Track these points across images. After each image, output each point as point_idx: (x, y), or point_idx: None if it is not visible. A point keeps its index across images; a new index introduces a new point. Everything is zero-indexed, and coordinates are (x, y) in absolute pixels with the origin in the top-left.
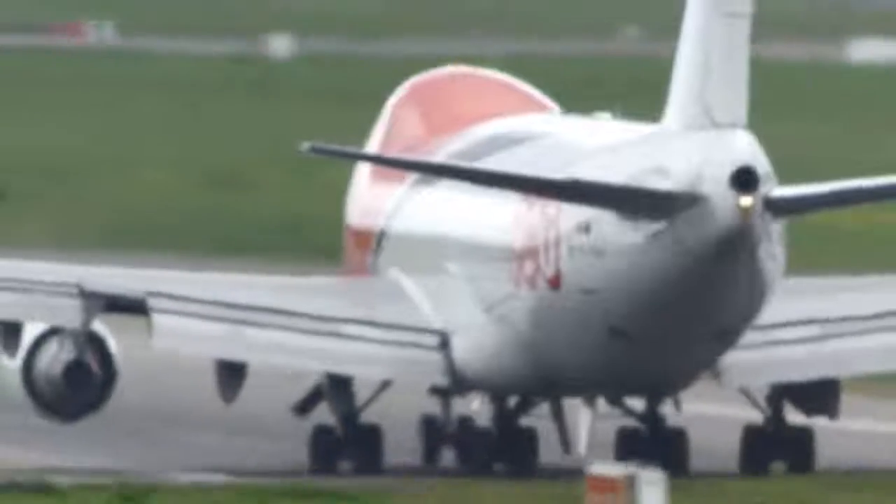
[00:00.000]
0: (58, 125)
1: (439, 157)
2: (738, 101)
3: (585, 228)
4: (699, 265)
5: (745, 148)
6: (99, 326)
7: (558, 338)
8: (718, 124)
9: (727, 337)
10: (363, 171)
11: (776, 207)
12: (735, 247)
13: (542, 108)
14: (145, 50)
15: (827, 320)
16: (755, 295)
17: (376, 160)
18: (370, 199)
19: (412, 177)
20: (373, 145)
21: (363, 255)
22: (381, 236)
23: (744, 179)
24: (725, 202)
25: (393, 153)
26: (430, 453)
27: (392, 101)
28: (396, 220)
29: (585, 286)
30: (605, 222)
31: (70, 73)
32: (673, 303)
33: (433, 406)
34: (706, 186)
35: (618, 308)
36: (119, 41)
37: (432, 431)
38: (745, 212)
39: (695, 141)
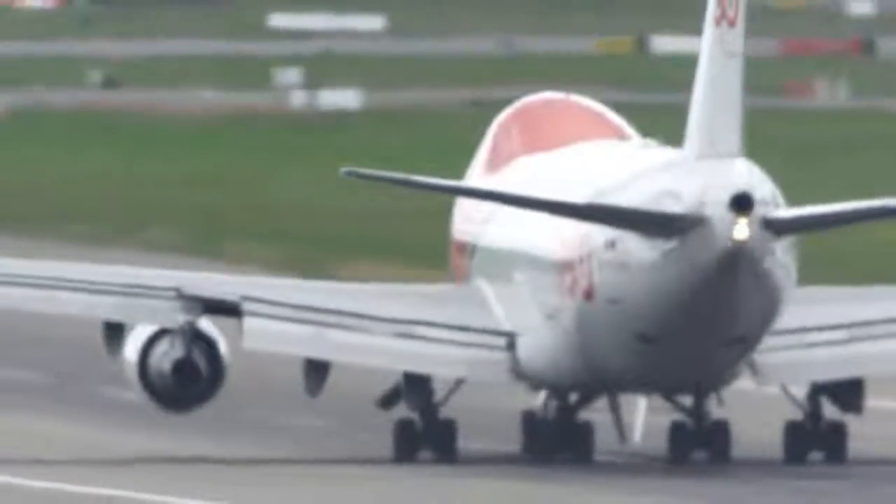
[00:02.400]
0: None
1: (512, 175)
2: (734, 132)
3: (612, 245)
4: (707, 279)
5: (743, 174)
6: (209, 327)
7: (597, 342)
8: (721, 153)
9: (745, 342)
10: (469, 183)
11: (774, 227)
12: (736, 263)
13: (621, 134)
14: (878, 110)
15: (854, 324)
16: (766, 303)
17: (406, 183)
18: (468, 210)
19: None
20: (478, 160)
21: (462, 263)
22: (473, 246)
23: (741, 203)
24: (725, 223)
25: (490, 169)
26: (530, 444)
27: (497, 119)
28: (483, 230)
29: (612, 297)
30: (628, 240)
31: (802, 133)
32: (688, 312)
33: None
34: (709, 209)
35: (641, 316)
36: (851, 101)
37: (532, 425)
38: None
39: (700, 168)
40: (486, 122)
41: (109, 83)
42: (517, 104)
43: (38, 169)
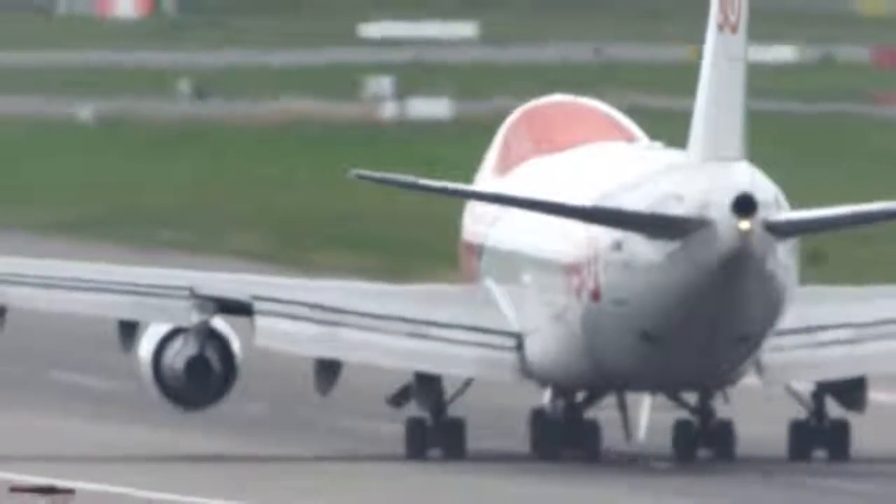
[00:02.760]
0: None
1: (521, 178)
2: (736, 135)
3: (618, 247)
4: (710, 279)
5: (745, 177)
6: (223, 327)
7: (603, 342)
8: (723, 157)
9: (748, 341)
10: (480, 185)
11: (776, 229)
12: (739, 264)
13: (629, 136)
14: None
15: (859, 324)
16: (768, 304)
17: (415, 186)
18: (478, 211)
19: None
20: (487, 164)
21: (471, 264)
22: (481, 247)
23: (743, 205)
24: (727, 225)
25: (500, 171)
26: (538, 441)
27: (505, 124)
28: (492, 233)
29: (618, 297)
30: (634, 241)
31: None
32: (692, 312)
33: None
34: (712, 211)
35: (646, 316)
36: None
37: (540, 422)
38: (745, 234)
39: (703, 171)
40: None
41: (199, 92)
42: (526, 107)
43: (125, 177)
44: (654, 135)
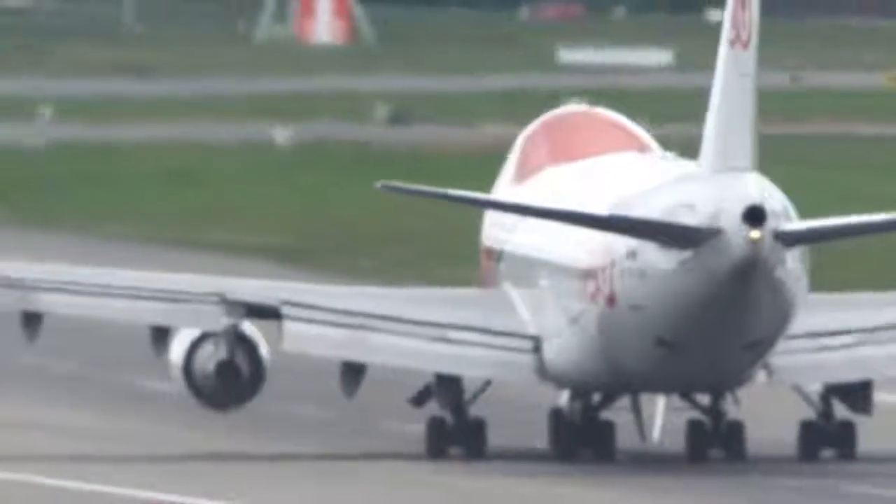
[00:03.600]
0: None
1: (537, 187)
2: (746, 147)
3: (633, 254)
4: (722, 287)
5: (756, 188)
6: (251, 331)
7: (619, 346)
8: (734, 168)
9: (759, 346)
10: (498, 193)
11: (785, 239)
12: (750, 272)
13: (643, 147)
14: None
15: (863, 330)
16: (778, 310)
17: (441, 196)
18: (496, 217)
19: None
20: (506, 171)
21: (490, 270)
22: (500, 253)
23: (754, 215)
24: (738, 235)
25: (517, 180)
26: (556, 440)
27: (524, 133)
28: (510, 239)
29: (633, 304)
30: (648, 249)
31: None
32: (704, 318)
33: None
34: (723, 221)
35: (660, 322)
36: None
37: (557, 422)
38: (755, 243)
39: (715, 182)
40: (773, 157)
41: (397, 118)
42: (543, 117)
43: (322, 202)
44: (859, 162)
